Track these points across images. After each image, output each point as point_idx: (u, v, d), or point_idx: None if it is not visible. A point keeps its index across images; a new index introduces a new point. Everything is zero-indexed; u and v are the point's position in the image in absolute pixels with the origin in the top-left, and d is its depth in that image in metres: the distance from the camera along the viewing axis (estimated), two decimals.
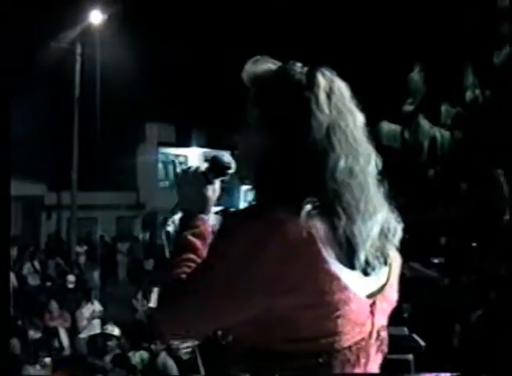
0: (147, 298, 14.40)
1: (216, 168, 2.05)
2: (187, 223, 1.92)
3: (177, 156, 34.93)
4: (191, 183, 2.01)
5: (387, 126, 21.04)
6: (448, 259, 16.96)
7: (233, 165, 2.05)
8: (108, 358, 8.79)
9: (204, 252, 1.77)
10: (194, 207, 1.96)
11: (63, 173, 22.98)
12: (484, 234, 17.93)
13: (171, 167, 34.80)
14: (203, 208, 1.96)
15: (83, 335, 11.49)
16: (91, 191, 25.24)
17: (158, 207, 31.28)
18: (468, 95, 20.45)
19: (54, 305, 11.64)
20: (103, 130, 26.57)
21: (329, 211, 1.61)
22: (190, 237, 1.85)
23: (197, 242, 1.84)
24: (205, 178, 2.02)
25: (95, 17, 22.86)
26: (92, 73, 24.11)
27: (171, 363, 8.63)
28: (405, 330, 5.96)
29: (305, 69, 1.73)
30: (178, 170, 2.07)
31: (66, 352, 10.39)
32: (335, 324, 1.60)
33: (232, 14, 28.63)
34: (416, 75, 21.50)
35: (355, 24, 26.14)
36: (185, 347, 9.69)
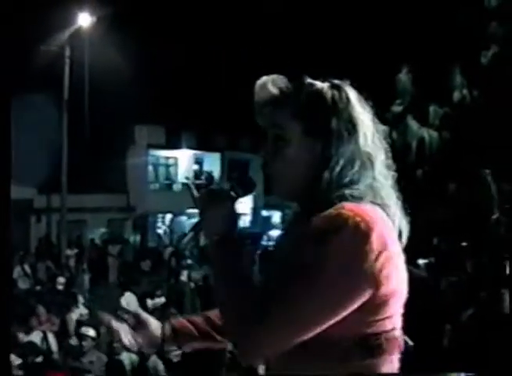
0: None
1: (245, 186, 1.96)
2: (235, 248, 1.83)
3: (167, 158, 34.96)
4: (217, 203, 1.87)
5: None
6: (438, 259, 17.03)
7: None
8: (86, 359, 8.80)
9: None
10: (219, 225, 1.85)
11: (52, 176, 22.93)
12: (473, 234, 18.01)
13: (161, 169, 34.80)
14: (233, 227, 1.86)
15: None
16: (81, 194, 25.21)
17: (149, 209, 31.33)
18: (456, 95, 20.54)
19: (41, 310, 11.60)
20: (93, 132, 26.54)
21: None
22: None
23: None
24: (235, 197, 1.92)
25: (84, 20, 22.84)
26: (81, 75, 24.08)
27: (162, 367, 8.63)
28: None
29: (325, 83, 1.87)
30: (195, 192, 1.92)
31: (55, 355, 10.34)
32: (399, 307, 1.80)
33: (220, 16, 28.68)
34: (404, 76, 21.57)
35: (343, 26, 26.24)
36: (176, 349, 9.70)
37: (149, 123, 30.70)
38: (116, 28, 22.82)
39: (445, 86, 20.53)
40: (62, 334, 11.41)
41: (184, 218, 32.21)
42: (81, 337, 9.28)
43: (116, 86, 23.99)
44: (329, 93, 1.83)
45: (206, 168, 35.44)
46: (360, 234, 1.66)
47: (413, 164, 20.53)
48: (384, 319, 1.73)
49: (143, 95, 25.92)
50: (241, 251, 1.83)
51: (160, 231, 33.13)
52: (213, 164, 35.19)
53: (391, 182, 1.88)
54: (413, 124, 20.67)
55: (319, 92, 1.83)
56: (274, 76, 1.89)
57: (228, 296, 1.75)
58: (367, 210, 1.72)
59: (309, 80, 1.87)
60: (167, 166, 35.26)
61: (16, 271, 16.67)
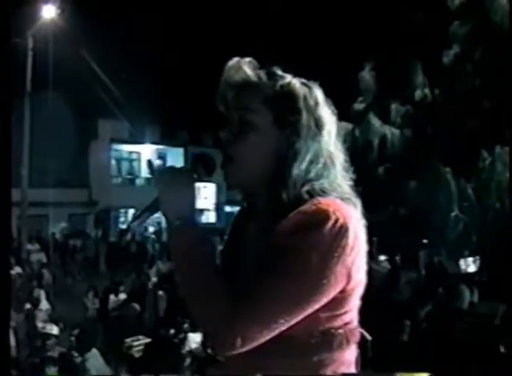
0: (98, 296, 14.34)
1: (207, 167, 1.88)
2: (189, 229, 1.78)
3: (130, 152, 34.76)
4: (179, 183, 1.80)
5: (338, 124, 21.19)
6: (398, 256, 17.20)
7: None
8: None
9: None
10: (183, 209, 1.79)
11: (13, 169, 22.67)
12: (433, 231, 18.22)
13: (124, 163, 34.59)
14: (194, 210, 1.81)
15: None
16: (42, 188, 24.93)
17: (111, 204, 31.12)
18: (417, 94, 20.74)
19: None
20: (55, 126, 26.25)
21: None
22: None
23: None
24: (196, 177, 1.84)
25: (48, 12, 22.56)
26: (44, 68, 23.78)
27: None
28: None
29: (297, 79, 1.88)
30: (156, 168, 1.82)
31: (13, 352, 10.22)
32: (357, 300, 1.82)
33: (186, 8, 28.60)
34: (366, 74, 21.71)
35: (306, 23, 26.34)
36: (137, 345, 9.69)
37: (113, 117, 30.49)
38: (80, 20, 22.61)
39: (407, 85, 20.72)
40: (23, 331, 11.33)
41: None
42: (45, 335, 9.20)
43: (80, 79, 23.77)
44: (302, 89, 1.84)
45: (169, 163, 35.29)
46: (339, 229, 1.68)
47: (375, 161, 20.68)
48: (345, 312, 1.77)
49: (107, 90, 25.74)
50: (205, 237, 1.79)
51: (122, 226, 32.94)
52: (176, 159, 35.09)
53: (350, 183, 1.89)
54: (375, 121, 20.82)
55: (293, 86, 1.83)
56: (248, 58, 1.88)
57: (196, 285, 1.71)
58: (342, 205, 1.75)
59: (281, 72, 1.88)
60: (130, 161, 35.07)
61: None
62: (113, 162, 33.75)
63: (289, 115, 1.81)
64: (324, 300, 1.69)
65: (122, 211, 33.18)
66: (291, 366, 1.71)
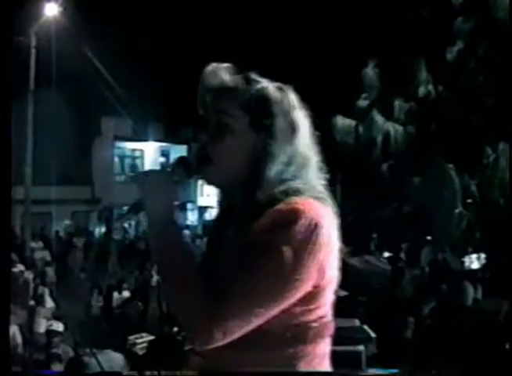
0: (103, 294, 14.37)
1: (187, 169, 1.96)
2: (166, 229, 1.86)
3: (133, 150, 34.77)
4: (160, 185, 1.89)
5: (341, 121, 21.21)
6: (402, 252, 17.20)
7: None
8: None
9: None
10: (165, 210, 1.87)
11: (16, 167, 22.68)
12: (437, 228, 18.20)
13: (127, 161, 34.61)
14: (173, 212, 1.89)
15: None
16: (45, 185, 24.94)
17: (114, 201, 31.13)
18: (421, 90, 20.70)
19: None
20: (58, 124, 26.27)
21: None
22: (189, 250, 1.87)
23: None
24: (176, 179, 1.94)
25: (50, 10, 22.56)
26: (47, 66, 23.79)
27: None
28: (356, 322, 6.05)
29: (272, 83, 1.96)
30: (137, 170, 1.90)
31: (19, 349, 10.26)
32: (331, 294, 1.90)
33: (186, 9, 28.59)
34: (370, 70, 21.68)
35: (310, 20, 26.28)
36: (141, 342, 9.70)
37: (116, 115, 30.48)
38: (83, 18, 22.61)
39: (410, 81, 20.70)
40: (28, 327, 11.36)
41: None
42: (51, 333, 9.22)
43: (83, 77, 23.78)
44: (277, 93, 1.91)
45: (172, 160, 35.24)
46: (313, 227, 1.77)
47: (378, 158, 20.68)
48: (319, 306, 1.85)
49: (110, 87, 25.74)
50: (184, 236, 1.91)
51: (125, 224, 32.96)
52: None
53: (324, 183, 1.96)
54: (379, 118, 20.80)
55: (268, 90, 1.91)
56: (225, 64, 1.96)
57: (175, 283, 1.79)
58: (316, 204, 1.84)
59: (257, 76, 1.95)
60: (134, 158, 35.06)
61: None
62: (117, 159, 33.75)
63: (264, 118, 1.89)
64: (298, 295, 1.78)
65: (125, 208, 33.17)
66: (267, 359, 1.79)
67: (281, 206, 1.80)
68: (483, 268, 16.64)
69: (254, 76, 1.94)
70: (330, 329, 1.89)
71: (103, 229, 28.87)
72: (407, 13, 19.63)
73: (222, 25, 29.02)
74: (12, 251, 19.23)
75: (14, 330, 10.21)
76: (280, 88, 1.94)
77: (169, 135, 35.09)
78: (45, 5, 22.46)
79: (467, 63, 19.30)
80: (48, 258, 19.87)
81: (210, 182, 1.98)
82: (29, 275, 14.21)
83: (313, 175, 1.93)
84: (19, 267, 15.05)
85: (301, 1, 26.65)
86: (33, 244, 21.24)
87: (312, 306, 1.82)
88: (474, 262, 17.61)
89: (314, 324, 1.82)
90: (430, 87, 20.70)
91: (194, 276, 1.78)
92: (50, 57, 23.23)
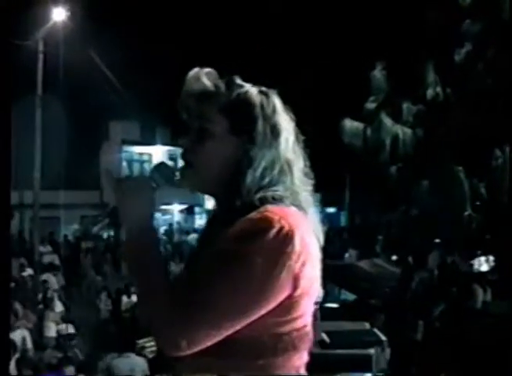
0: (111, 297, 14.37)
1: (164, 175, 1.95)
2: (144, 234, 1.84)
3: (141, 154, 34.82)
4: (136, 191, 1.88)
5: (349, 123, 21.20)
6: (411, 255, 17.14)
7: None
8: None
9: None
10: (139, 216, 1.86)
11: (25, 172, 22.73)
12: (446, 230, 18.14)
13: (135, 165, 34.66)
14: (148, 218, 1.86)
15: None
16: (54, 190, 24.99)
17: None
18: (429, 93, 20.68)
19: (17, 306, 11.50)
20: (66, 128, 26.33)
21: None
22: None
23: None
24: (154, 185, 1.92)
25: (58, 14, 22.63)
26: (55, 70, 23.85)
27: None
28: (367, 325, 6.03)
29: (255, 88, 1.91)
30: (115, 178, 1.89)
31: (30, 353, 10.28)
32: (310, 306, 1.82)
33: (192, 14, 28.61)
34: (378, 73, 21.68)
35: (318, 23, 26.26)
36: (150, 346, 9.69)
37: (124, 119, 30.53)
38: (90, 23, 22.67)
39: (418, 83, 20.67)
40: (38, 331, 11.38)
41: (158, 214, 32.11)
42: (65, 337, 9.26)
43: (90, 81, 23.83)
44: (258, 97, 1.87)
45: (180, 164, 35.23)
46: (284, 236, 1.71)
47: (387, 160, 20.64)
48: (296, 317, 1.78)
49: (118, 91, 25.78)
50: (159, 243, 1.88)
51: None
52: None
53: (310, 189, 1.92)
54: (387, 121, 20.78)
55: (249, 94, 1.88)
56: (207, 69, 1.94)
57: (146, 289, 1.78)
58: (290, 213, 1.78)
59: (240, 81, 1.92)
60: (142, 162, 35.08)
61: None
62: (124, 164, 33.79)
63: (244, 123, 1.85)
64: (269, 306, 1.72)
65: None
66: (238, 368, 1.75)
67: (253, 214, 1.75)
68: (492, 270, 16.58)
69: (237, 81, 1.91)
70: (306, 342, 1.82)
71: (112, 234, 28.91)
72: (415, 15, 19.61)
73: (231, 30, 29.05)
74: (22, 255, 19.30)
75: (25, 334, 10.24)
76: (263, 93, 1.90)
77: (176, 139, 35.16)
78: (53, 10, 22.52)
79: (476, 65, 19.25)
80: (57, 262, 19.90)
81: (190, 188, 1.96)
82: (38, 279, 14.24)
83: (296, 181, 1.88)
84: (29, 271, 15.11)
85: (309, 4, 26.63)
86: (41, 248, 21.25)
87: (285, 318, 1.76)
88: (483, 264, 17.55)
89: (286, 336, 1.76)
90: (439, 89, 20.67)
91: (163, 283, 1.76)
92: (58, 62, 23.29)
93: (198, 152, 1.88)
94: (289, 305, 1.75)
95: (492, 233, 18.08)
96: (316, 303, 1.90)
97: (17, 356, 9.05)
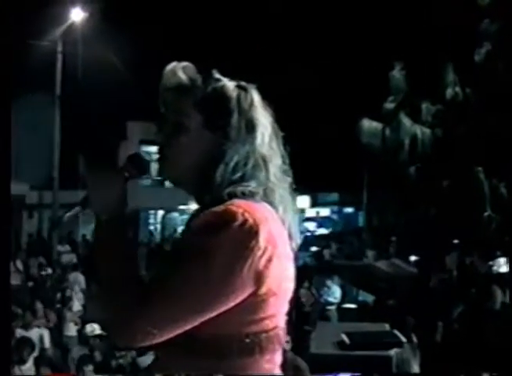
0: None
1: (138, 167, 2.00)
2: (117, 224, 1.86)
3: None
4: (107, 182, 1.90)
5: (368, 123, 21.15)
6: (430, 256, 17.07)
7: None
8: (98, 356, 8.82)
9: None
10: (108, 206, 1.88)
11: (44, 172, 22.86)
12: (466, 231, 18.05)
13: (153, 165, 34.79)
14: (117, 208, 1.89)
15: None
16: (72, 190, 25.13)
17: (140, 205, 31.29)
18: (448, 92, 20.59)
19: (38, 305, 11.57)
20: (85, 128, 26.47)
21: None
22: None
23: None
24: (127, 176, 1.95)
25: (77, 15, 22.74)
26: (74, 70, 23.97)
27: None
28: (387, 327, 6.01)
29: (231, 82, 1.90)
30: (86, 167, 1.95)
31: (49, 352, 10.33)
32: (281, 306, 1.79)
33: (216, 15, 28.67)
34: (397, 73, 21.62)
35: (337, 23, 26.21)
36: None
37: (142, 119, 30.65)
38: (109, 23, 22.76)
39: (437, 83, 20.58)
40: (59, 331, 11.46)
41: (176, 214, 32.18)
42: (92, 336, 9.31)
43: (109, 82, 23.93)
44: (234, 92, 1.86)
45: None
46: (247, 230, 1.68)
47: (406, 161, 20.58)
48: (264, 318, 1.74)
49: (136, 91, 25.88)
50: (128, 233, 1.88)
51: (151, 227, 33.09)
52: None
53: (287, 186, 1.90)
54: (406, 121, 20.72)
55: (225, 89, 1.87)
56: (184, 63, 1.94)
57: (109, 277, 1.77)
58: (257, 207, 1.75)
59: (218, 75, 1.91)
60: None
61: None
62: None
63: (218, 118, 1.84)
64: (229, 301, 1.68)
65: (151, 212, 33.33)
66: (202, 368, 1.72)
67: (216, 208, 1.72)
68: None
69: (215, 75, 1.90)
70: (276, 344, 1.78)
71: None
72: (434, 15, 19.53)
73: (239, 26, 29.07)
74: (40, 254, 19.42)
75: (42, 332, 10.29)
76: (241, 87, 1.88)
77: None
78: (71, 10, 22.64)
79: (495, 65, 19.14)
80: (75, 261, 19.99)
81: (165, 179, 2.01)
82: (56, 278, 14.30)
83: (272, 178, 1.85)
84: (47, 270, 15.17)
85: (329, 4, 26.58)
86: (60, 248, 21.38)
87: (252, 318, 1.72)
88: (502, 265, 17.43)
89: (253, 337, 1.73)
90: (458, 89, 20.58)
91: (127, 274, 1.74)
92: (76, 62, 23.42)
93: (173, 146, 1.90)
94: (254, 304, 1.71)
95: (511, 233, 17.97)
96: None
97: (35, 354, 9.09)
